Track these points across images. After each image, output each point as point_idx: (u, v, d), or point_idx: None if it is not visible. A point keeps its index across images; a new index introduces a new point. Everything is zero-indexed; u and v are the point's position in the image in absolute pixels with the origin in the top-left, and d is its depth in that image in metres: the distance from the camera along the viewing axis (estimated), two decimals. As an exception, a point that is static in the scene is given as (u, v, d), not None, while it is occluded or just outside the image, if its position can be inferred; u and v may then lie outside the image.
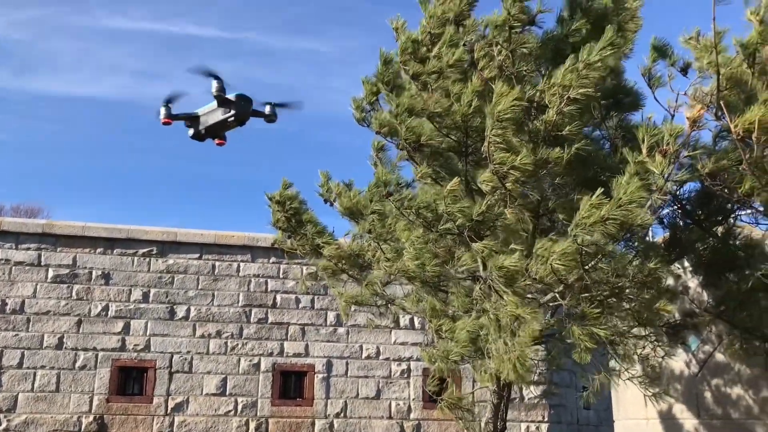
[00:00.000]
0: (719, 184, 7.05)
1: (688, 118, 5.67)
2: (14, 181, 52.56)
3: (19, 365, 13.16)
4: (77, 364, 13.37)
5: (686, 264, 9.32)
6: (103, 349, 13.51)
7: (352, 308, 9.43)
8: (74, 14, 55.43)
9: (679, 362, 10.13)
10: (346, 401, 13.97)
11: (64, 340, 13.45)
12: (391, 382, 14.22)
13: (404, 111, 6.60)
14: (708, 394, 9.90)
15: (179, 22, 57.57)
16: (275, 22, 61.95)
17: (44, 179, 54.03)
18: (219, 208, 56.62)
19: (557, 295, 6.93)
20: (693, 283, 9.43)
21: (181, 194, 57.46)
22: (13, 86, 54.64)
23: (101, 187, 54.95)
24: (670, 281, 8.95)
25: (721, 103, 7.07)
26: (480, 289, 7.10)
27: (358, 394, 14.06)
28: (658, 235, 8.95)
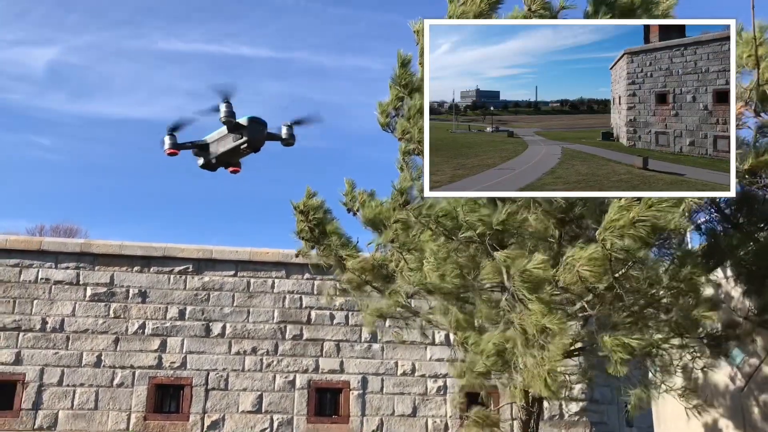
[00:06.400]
0: (759, 181, 6.76)
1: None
2: (59, 202, 54.12)
3: (59, 383, 13.33)
4: (115, 382, 13.48)
5: (729, 273, 8.93)
6: (140, 367, 13.60)
7: (385, 324, 9.25)
8: (131, 38, 57.03)
9: (722, 376, 9.67)
10: (382, 418, 13.75)
11: (102, 357, 13.58)
12: (427, 399, 13.95)
13: (416, 112, 6.45)
14: (755, 409, 9.40)
15: (232, 43, 58.83)
16: (325, 41, 62.78)
17: (92, 200, 55.50)
18: (255, 225, 57.18)
19: (586, 305, 6.67)
20: (736, 292, 9.01)
21: (220, 213, 58.22)
22: (70, 110, 56.61)
23: (143, 207, 56.15)
24: (711, 290, 8.56)
25: (762, 96, 6.78)
26: (506, 299, 6.86)
27: (394, 412, 13.83)
28: (696, 243, 8.61)
